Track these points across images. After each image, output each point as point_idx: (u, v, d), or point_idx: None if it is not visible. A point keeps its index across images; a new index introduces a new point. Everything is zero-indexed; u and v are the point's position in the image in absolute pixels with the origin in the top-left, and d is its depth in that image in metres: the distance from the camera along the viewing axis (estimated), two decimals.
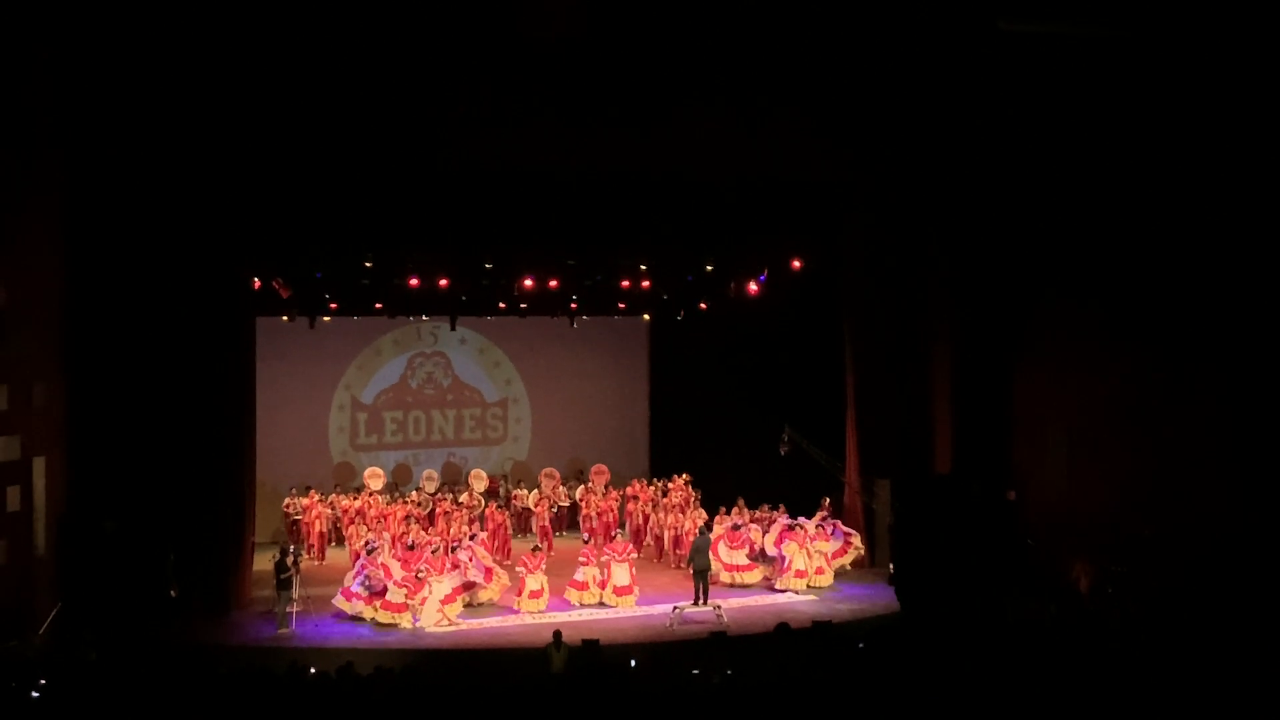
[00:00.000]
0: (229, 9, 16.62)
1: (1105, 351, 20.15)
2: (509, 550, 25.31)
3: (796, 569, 22.34)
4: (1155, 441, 19.22)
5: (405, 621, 19.74)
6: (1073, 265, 20.65)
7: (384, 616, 19.85)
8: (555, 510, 27.56)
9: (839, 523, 23.67)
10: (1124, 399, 19.87)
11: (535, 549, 21.66)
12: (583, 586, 21.31)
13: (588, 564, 21.52)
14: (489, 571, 21.37)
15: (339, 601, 20.41)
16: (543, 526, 26.82)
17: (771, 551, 22.87)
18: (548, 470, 29.51)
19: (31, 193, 17.94)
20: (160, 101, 18.53)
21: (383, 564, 20.50)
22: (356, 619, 20.06)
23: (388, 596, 19.96)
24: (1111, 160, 19.27)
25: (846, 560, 23.23)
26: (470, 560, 21.22)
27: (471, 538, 22.39)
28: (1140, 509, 19.04)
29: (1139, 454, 19.48)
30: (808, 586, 22.24)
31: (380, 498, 26.88)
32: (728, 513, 24.56)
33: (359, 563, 20.92)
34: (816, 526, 23.16)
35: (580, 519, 27.06)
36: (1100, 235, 19.93)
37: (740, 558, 22.94)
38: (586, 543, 23.76)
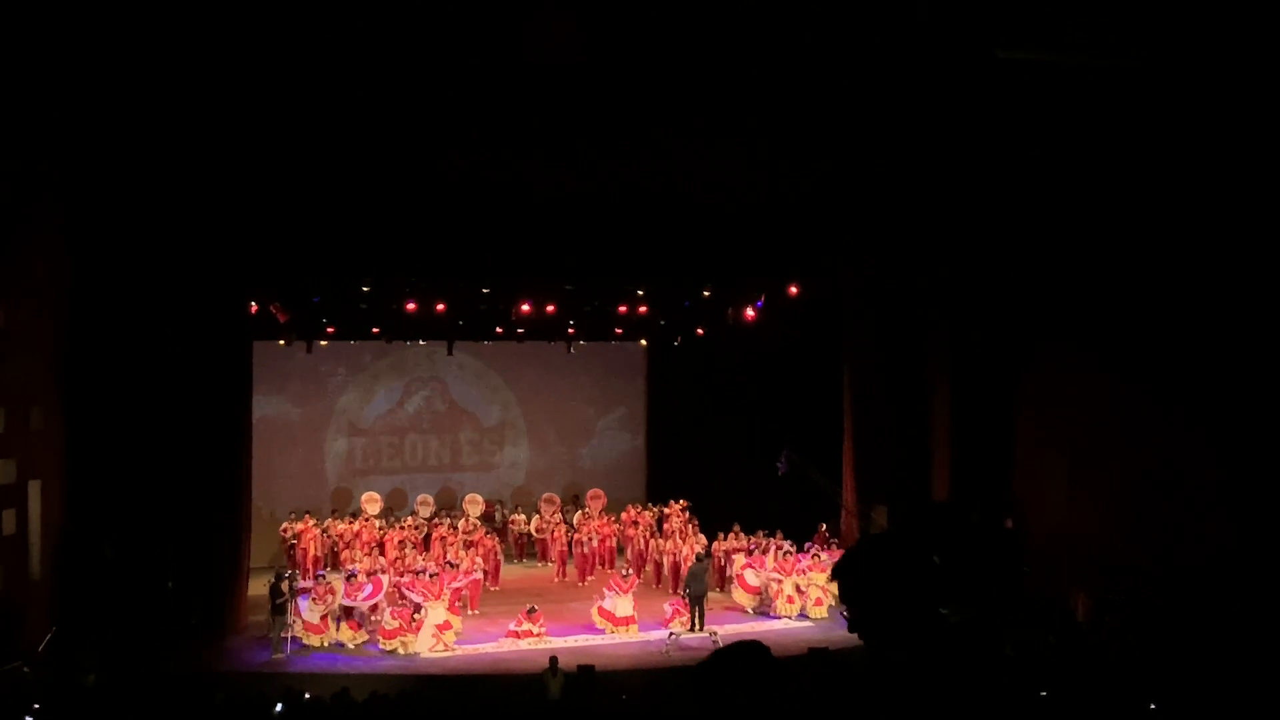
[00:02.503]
0: (229, 33, 16.65)
1: (1105, 380, 20.16)
2: (498, 576, 25.24)
3: (786, 595, 22.33)
4: (1154, 470, 19.20)
5: (400, 647, 19.69)
6: (1073, 293, 20.67)
7: (383, 644, 19.81)
8: (570, 535, 27.11)
9: (833, 548, 23.61)
10: (1123, 427, 19.87)
11: (530, 610, 20.75)
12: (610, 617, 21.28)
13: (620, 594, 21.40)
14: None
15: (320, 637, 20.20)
16: (560, 552, 26.66)
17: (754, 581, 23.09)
18: (548, 496, 29.45)
19: (32, 217, 17.96)
20: (161, 127, 18.56)
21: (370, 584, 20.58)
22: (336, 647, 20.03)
23: (383, 623, 19.92)
24: (1112, 188, 19.32)
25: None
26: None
27: (428, 573, 21.43)
28: (1139, 538, 19.03)
29: (1138, 482, 19.46)
30: (800, 613, 22.20)
31: (376, 523, 26.83)
32: (724, 538, 24.62)
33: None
34: (813, 557, 23.08)
35: (572, 544, 26.84)
36: (1100, 263, 19.96)
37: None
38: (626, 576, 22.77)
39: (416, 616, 19.90)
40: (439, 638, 19.86)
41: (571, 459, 31.17)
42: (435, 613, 20.03)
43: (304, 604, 20.16)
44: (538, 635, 20.32)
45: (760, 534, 24.43)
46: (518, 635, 20.35)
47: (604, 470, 30.96)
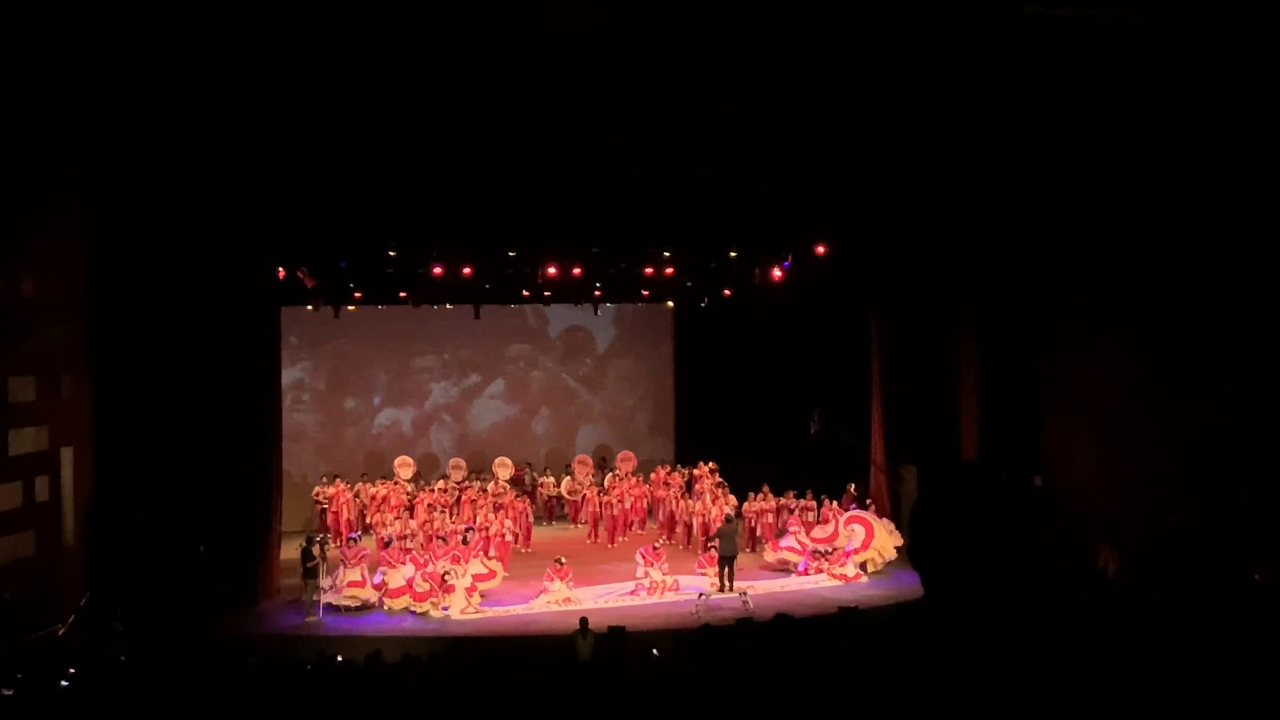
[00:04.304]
0: (253, 3, 16.64)
1: (1132, 336, 20.01)
2: (529, 538, 25.35)
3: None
4: (1182, 426, 19.09)
5: (433, 609, 19.80)
6: (1099, 250, 20.49)
7: (411, 605, 19.95)
8: (601, 497, 26.92)
9: (864, 514, 23.46)
10: (1151, 383, 19.74)
11: (559, 561, 20.99)
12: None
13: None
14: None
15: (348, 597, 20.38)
16: (593, 513, 26.61)
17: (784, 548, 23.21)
18: (581, 457, 29.46)
19: (58, 187, 18.04)
20: (184, 96, 18.58)
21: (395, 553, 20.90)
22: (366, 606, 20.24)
23: (414, 586, 20.05)
24: (1138, 145, 19.13)
25: (865, 557, 22.85)
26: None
27: (460, 537, 22.05)
28: (1167, 494, 18.93)
29: (1166, 439, 19.36)
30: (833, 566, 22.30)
31: (407, 486, 26.93)
32: (754, 499, 24.64)
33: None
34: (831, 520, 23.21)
35: (601, 505, 26.73)
36: (1126, 219, 19.79)
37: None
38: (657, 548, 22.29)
39: (447, 579, 19.99)
40: (470, 599, 19.98)
41: (600, 421, 31.06)
42: (464, 578, 20.16)
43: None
44: (566, 597, 20.40)
45: (790, 494, 24.42)
46: (547, 590, 20.50)
47: (632, 432, 30.99)
